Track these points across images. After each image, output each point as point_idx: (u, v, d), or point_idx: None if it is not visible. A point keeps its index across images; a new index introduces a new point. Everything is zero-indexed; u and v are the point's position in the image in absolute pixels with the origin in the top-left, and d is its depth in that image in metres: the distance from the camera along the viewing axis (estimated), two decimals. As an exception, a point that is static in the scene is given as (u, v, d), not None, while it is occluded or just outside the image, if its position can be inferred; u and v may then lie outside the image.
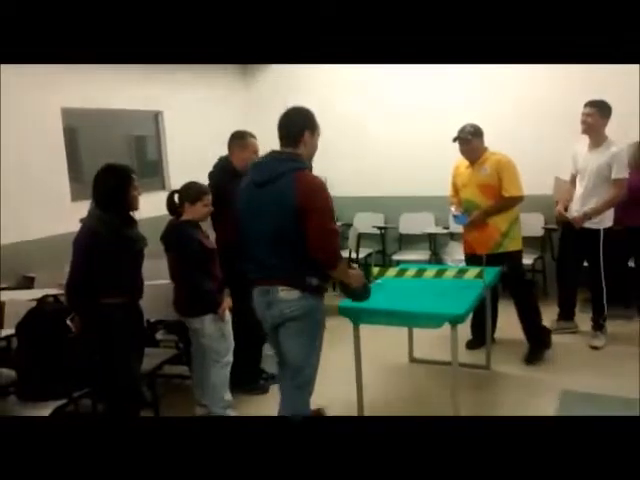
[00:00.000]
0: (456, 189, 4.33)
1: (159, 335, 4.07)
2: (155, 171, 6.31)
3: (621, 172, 4.13)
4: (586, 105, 4.24)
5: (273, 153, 2.68)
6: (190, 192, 3.35)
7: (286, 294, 2.59)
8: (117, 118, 5.88)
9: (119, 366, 2.90)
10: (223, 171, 3.79)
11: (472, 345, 4.41)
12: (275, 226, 2.54)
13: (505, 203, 4.06)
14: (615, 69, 4.61)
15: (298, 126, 2.64)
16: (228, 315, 3.40)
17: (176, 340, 3.90)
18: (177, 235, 3.30)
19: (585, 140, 4.31)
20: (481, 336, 4.26)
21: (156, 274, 3.54)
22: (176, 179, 6.02)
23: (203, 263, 3.28)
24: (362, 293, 2.77)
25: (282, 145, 2.67)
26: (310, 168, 2.68)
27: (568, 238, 4.52)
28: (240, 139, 3.81)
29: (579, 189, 4.34)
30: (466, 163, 4.21)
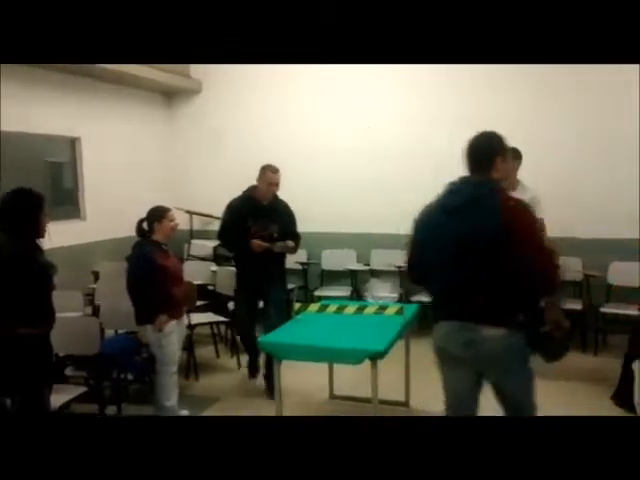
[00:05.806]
0: None
1: (68, 371, 3.83)
2: (70, 199, 6.03)
3: (540, 213, 4.30)
4: None
5: (465, 178, 2.47)
6: (155, 212, 3.72)
7: (493, 332, 2.34)
8: (32, 142, 5.61)
9: (30, 404, 2.72)
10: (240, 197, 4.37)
11: None
12: (475, 255, 2.31)
13: None
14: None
15: (488, 153, 2.44)
16: (169, 328, 3.59)
17: (86, 376, 3.69)
18: (134, 251, 3.69)
19: None
20: None
21: (63, 307, 3.41)
22: (92, 207, 5.75)
23: (151, 278, 3.49)
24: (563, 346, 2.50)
25: (471, 173, 2.46)
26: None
27: None
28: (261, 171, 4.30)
29: None
30: None
